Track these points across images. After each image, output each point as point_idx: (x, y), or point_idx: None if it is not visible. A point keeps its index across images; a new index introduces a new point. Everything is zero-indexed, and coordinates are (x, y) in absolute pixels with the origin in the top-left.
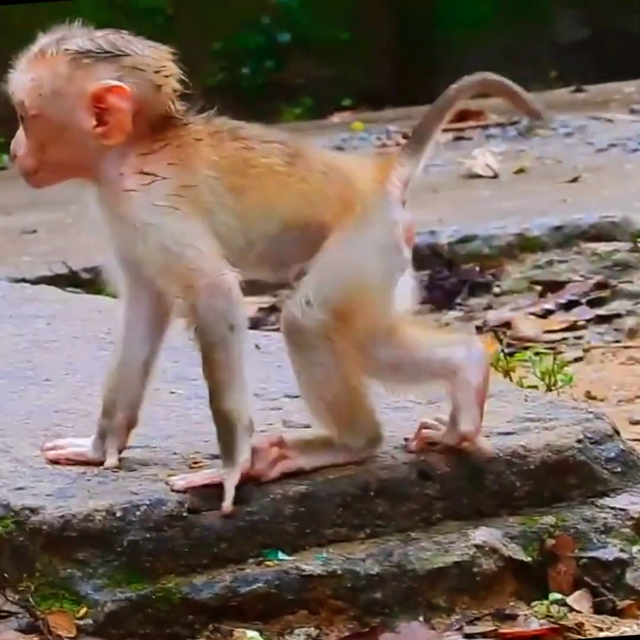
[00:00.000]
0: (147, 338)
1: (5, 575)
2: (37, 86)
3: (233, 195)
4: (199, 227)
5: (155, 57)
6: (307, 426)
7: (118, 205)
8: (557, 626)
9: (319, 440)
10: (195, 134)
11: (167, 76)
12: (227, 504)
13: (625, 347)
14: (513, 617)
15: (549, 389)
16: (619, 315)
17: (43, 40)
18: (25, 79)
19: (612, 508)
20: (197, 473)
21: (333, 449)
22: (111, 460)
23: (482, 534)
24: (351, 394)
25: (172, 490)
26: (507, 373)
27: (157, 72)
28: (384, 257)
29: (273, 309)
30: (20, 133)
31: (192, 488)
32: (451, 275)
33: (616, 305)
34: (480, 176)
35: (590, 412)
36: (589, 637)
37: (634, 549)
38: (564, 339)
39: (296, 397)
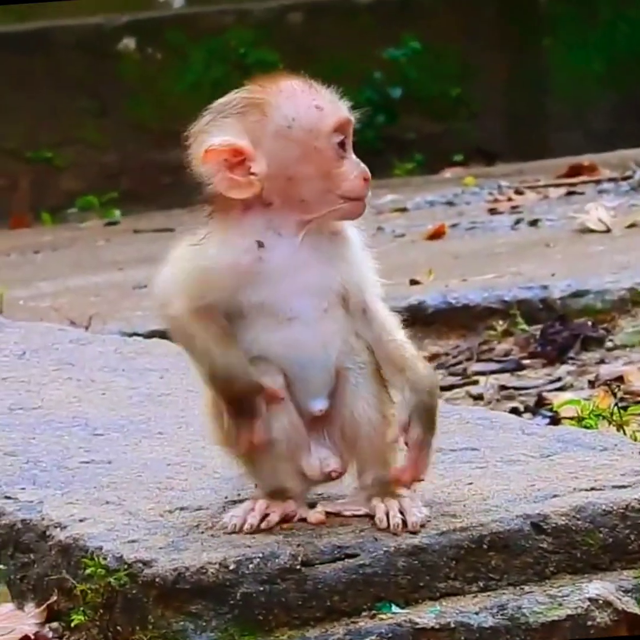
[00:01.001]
0: None
1: (118, 628)
2: None
3: None
4: None
5: None
6: (420, 480)
7: (346, 239)
8: None
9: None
10: None
11: None
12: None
13: None
14: None
15: None
16: None
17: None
18: None
19: None
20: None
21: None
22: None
23: (596, 587)
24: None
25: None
26: (620, 427)
27: None
28: None
29: None
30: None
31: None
32: (563, 330)
33: None
34: (592, 231)
35: None
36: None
37: None
38: None
39: None
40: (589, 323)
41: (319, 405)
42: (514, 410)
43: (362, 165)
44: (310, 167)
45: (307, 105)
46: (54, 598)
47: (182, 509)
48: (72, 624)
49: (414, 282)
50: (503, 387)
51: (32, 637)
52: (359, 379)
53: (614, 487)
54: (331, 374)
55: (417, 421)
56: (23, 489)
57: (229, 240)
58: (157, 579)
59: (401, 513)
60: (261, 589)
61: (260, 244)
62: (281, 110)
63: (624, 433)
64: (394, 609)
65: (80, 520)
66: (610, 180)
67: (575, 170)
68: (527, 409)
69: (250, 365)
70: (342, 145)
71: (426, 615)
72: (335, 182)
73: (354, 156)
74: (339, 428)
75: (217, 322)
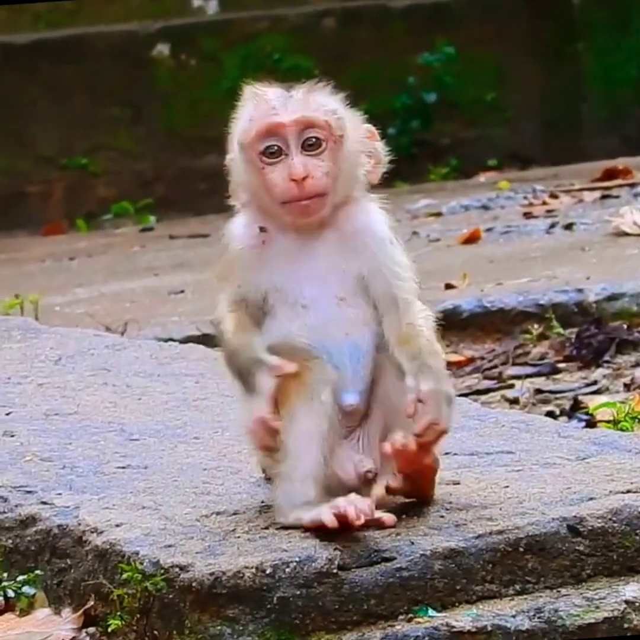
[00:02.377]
0: None
1: (155, 632)
2: (334, 111)
3: None
4: None
5: None
6: (457, 483)
7: (367, 232)
8: None
9: None
10: None
11: None
12: None
13: None
14: None
15: None
16: None
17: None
18: (318, 102)
19: None
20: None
21: None
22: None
23: (632, 590)
24: None
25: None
26: None
27: None
28: None
29: None
30: (302, 157)
31: None
32: (599, 333)
33: None
34: (627, 234)
35: None
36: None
37: None
38: None
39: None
40: (625, 326)
41: (349, 399)
42: (550, 414)
43: (295, 165)
44: (247, 177)
45: (245, 117)
46: (91, 603)
47: (218, 513)
48: (109, 629)
49: (449, 287)
50: (539, 391)
51: None
52: (397, 374)
53: None
54: (365, 367)
55: (423, 380)
56: (59, 494)
57: (241, 226)
58: (193, 584)
59: None
60: (298, 593)
61: (263, 229)
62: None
63: None
64: (431, 612)
65: (117, 525)
66: None
67: (610, 174)
68: (562, 413)
69: (266, 349)
70: (271, 151)
71: (463, 618)
72: (268, 189)
73: (294, 159)
74: (377, 425)
75: (244, 311)
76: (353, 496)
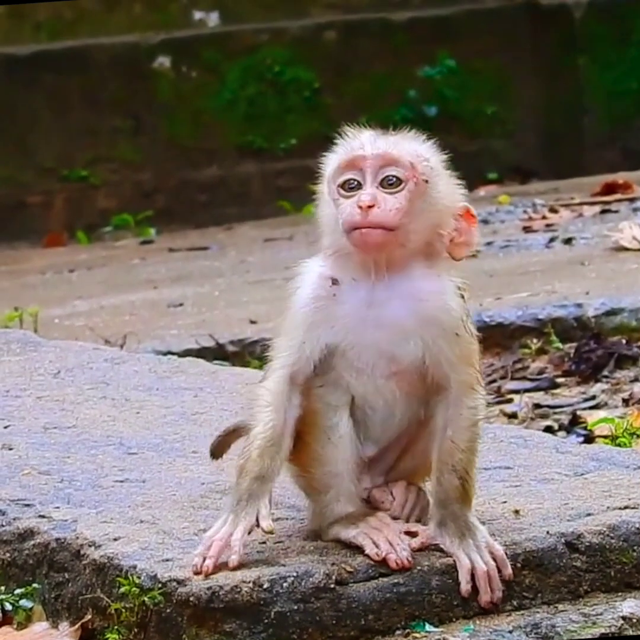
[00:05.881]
0: None
1: None
2: (424, 156)
3: None
4: None
5: None
6: None
7: (438, 311)
8: None
9: None
10: None
11: None
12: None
13: None
14: None
15: None
16: None
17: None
18: (410, 147)
19: None
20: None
21: None
22: (268, 523)
23: (629, 606)
24: None
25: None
26: None
27: None
28: None
29: None
30: (375, 190)
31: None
32: (598, 348)
33: None
34: (627, 249)
35: None
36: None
37: None
38: None
39: None
40: (624, 341)
41: (368, 451)
42: (548, 429)
43: (366, 195)
44: (326, 211)
45: (333, 154)
46: (89, 617)
47: None
48: None
49: None
50: (537, 406)
51: None
52: (417, 434)
53: None
54: (392, 430)
55: (446, 533)
56: (57, 508)
57: (313, 275)
58: (191, 598)
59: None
60: (295, 607)
61: (335, 281)
62: None
63: None
64: (428, 627)
65: (115, 539)
66: None
67: (609, 188)
68: (561, 428)
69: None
70: (351, 185)
71: (460, 634)
72: (338, 220)
73: (367, 189)
74: (385, 469)
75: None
76: (391, 533)
